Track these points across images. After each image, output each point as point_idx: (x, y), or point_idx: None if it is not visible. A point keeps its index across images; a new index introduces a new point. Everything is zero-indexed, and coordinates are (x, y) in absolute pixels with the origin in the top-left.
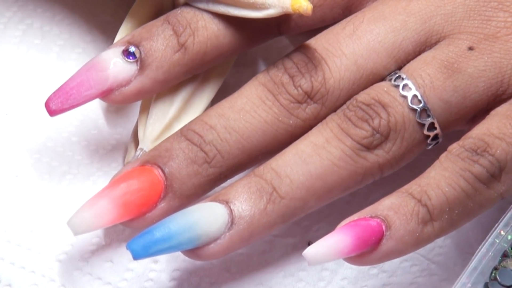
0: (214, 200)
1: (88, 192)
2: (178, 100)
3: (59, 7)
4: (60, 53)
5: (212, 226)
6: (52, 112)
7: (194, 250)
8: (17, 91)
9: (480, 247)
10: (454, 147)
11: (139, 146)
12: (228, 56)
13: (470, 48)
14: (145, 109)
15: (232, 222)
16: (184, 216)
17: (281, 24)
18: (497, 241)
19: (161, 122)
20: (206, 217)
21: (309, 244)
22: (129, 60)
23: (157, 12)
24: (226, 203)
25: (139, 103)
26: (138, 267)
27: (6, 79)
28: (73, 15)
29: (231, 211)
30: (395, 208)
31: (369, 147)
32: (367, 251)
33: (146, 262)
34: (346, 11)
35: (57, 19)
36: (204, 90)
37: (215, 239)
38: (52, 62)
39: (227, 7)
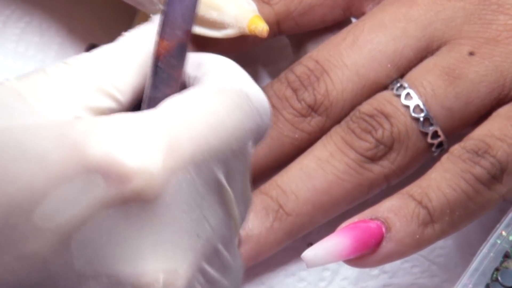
0: None
1: None
2: None
3: (58, 4)
4: (59, 51)
5: None
6: None
7: None
8: None
9: (481, 248)
10: (456, 148)
11: None
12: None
13: (471, 53)
14: None
15: (239, 241)
16: None
17: (281, 23)
18: (499, 242)
19: None
20: None
21: (309, 246)
22: None
23: None
24: None
25: None
26: None
27: (6, 77)
28: (72, 12)
29: None
30: (395, 210)
31: (373, 159)
32: (367, 253)
33: None
34: (347, 12)
35: (56, 16)
36: None
37: None
38: (51, 60)
39: None
